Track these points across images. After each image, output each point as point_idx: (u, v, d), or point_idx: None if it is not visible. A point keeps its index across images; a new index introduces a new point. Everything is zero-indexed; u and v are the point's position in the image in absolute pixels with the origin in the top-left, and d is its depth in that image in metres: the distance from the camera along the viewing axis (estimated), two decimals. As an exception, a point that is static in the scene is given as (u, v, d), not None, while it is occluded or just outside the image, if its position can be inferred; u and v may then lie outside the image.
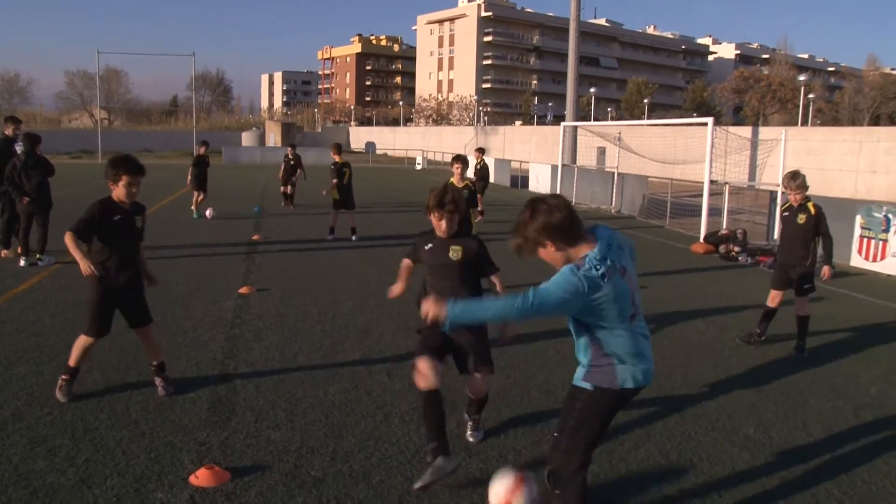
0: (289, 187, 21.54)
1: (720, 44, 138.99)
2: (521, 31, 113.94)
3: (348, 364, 6.85)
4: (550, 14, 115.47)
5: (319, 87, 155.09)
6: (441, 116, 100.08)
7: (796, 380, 6.78)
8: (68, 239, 5.44)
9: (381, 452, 4.95)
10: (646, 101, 79.95)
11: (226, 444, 5.01)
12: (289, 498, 4.31)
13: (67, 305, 8.59)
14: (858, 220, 13.79)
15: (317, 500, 4.30)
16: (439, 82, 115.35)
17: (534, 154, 46.29)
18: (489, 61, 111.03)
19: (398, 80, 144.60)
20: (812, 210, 7.78)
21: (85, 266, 5.45)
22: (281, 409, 5.66)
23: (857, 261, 13.72)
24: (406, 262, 5.26)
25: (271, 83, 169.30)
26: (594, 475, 4.68)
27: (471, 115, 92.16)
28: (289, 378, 6.41)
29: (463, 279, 4.96)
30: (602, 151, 28.06)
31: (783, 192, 16.34)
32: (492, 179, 24.88)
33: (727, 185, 17.95)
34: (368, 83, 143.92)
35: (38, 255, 11.41)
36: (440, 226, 5.00)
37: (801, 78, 55.96)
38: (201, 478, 4.43)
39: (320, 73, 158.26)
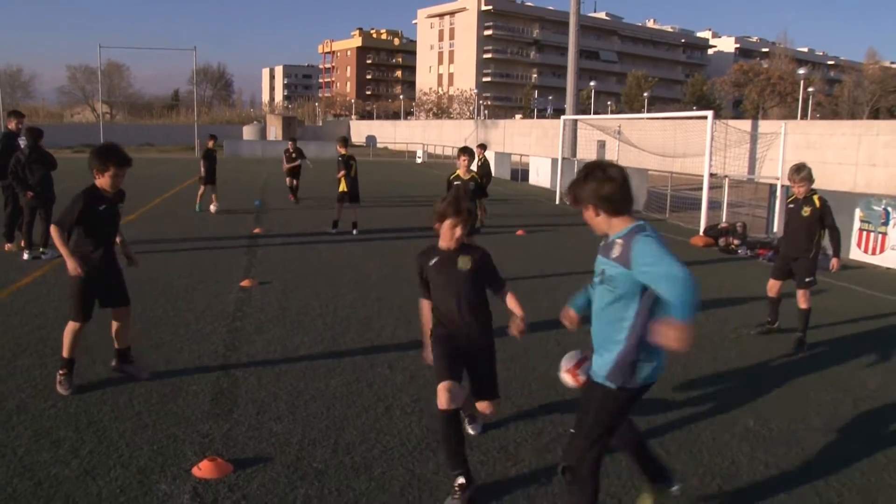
0: (294, 181, 21.25)
1: (720, 37, 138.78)
2: (521, 24, 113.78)
3: (350, 356, 6.88)
4: (550, 8, 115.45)
5: (320, 80, 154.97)
6: (441, 110, 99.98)
7: (796, 372, 6.81)
8: (54, 232, 5.56)
9: (383, 444, 4.98)
10: (645, 94, 79.99)
11: (228, 435, 5.04)
12: (290, 490, 4.34)
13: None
14: (858, 213, 13.80)
15: (318, 491, 4.33)
16: (439, 76, 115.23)
17: (534, 148, 46.23)
18: (489, 55, 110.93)
19: (398, 73, 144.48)
20: (817, 203, 7.77)
21: (72, 265, 5.58)
22: (283, 402, 5.69)
23: (856, 254, 13.74)
24: (424, 303, 4.76)
25: (272, 77, 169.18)
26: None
27: (471, 108, 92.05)
28: (290, 370, 6.43)
29: (473, 289, 4.56)
30: (602, 145, 28.05)
31: (784, 186, 16.34)
32: (493, 174, 24.82)
33: (727, 179, 17.96)
34: (369, 77, 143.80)
35: (41, 249, 11.44)
36: (454, 233, 4.52)
37: (801, 71, 55.96)
38: (204, 469, 4.46)
39: (321, 66, 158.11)
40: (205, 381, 6.09)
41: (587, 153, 27.35)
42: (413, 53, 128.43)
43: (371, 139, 68.47)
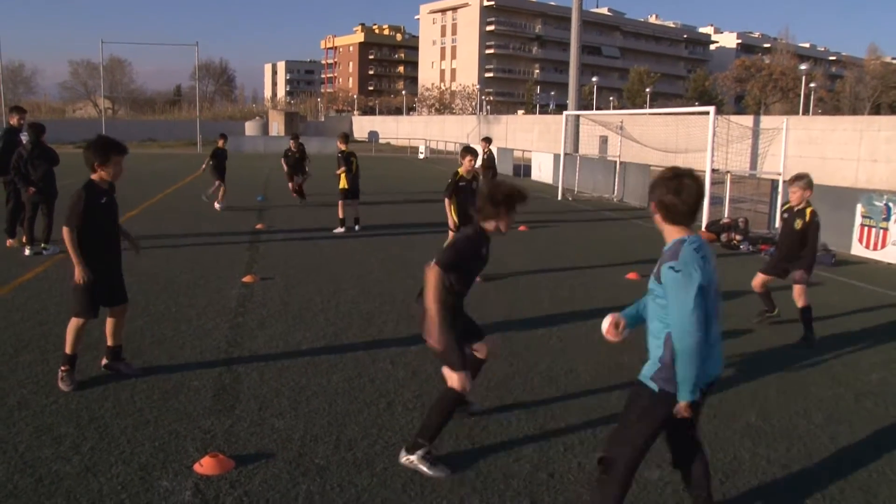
0: (295, 182, 19.73)
1: (722, 33, 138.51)
2: (523, 20, 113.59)
3: (352, 352, 6.88)
4: (552, 3, 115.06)
5: (322, 76, 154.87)
6: (443, 105, 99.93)
7: (797, 367, 6.81)
8: (67, 235, 5.60)
9: (385, 440, 4.98)
10: (648, 90, 79.84)
11: (230, 432, 5.05)
12: (293, 486, 4.34)
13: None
14: (859, 208, 13.78)
15: (320, 487, 4.33)
16: (442, 71, 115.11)
17: (536, 143, 46.20)
18: (491, 50, 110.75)
19: (401, 69, 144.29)
20: (808, 217, 7.81)
21: (80, 273, 5.63)
22: (285, 397, 5.70)
23: (857, 249, 13.72)
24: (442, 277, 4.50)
25: (274, 72, 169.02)
26: (595, 462, 4.71)
27: (473, 104, 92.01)
28: (292, 366, 6.44)
29: None
30: (604, 140, 28.03)
31: (786, 181, 16.33)
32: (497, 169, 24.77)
33: (729, 174, 17.93)
34: (371, 72, 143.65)
35: (42, 245, 11.44)
36: (509, 222, 4.54)
37: (803, 67, 55.89)
38: (206, 466, 4.46)
39: (323, 62, 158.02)
40: (207, 377, 6.09)
41: (589, 149, 27.33)
42: (415, 49, 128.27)
43: (373, 135, 68.41)
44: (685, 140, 23.60)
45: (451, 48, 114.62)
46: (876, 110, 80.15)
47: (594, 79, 73.46)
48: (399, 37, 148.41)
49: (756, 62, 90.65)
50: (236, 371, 6.28)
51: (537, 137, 47.78)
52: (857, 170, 22.59)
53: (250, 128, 67.43)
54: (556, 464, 4.69)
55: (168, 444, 4.83)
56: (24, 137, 11.65)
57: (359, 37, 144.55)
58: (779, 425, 5.44)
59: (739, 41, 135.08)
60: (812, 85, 59.68)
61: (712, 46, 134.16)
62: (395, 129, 75.78)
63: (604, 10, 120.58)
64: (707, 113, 17.31)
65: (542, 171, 30.73)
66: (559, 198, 23.60)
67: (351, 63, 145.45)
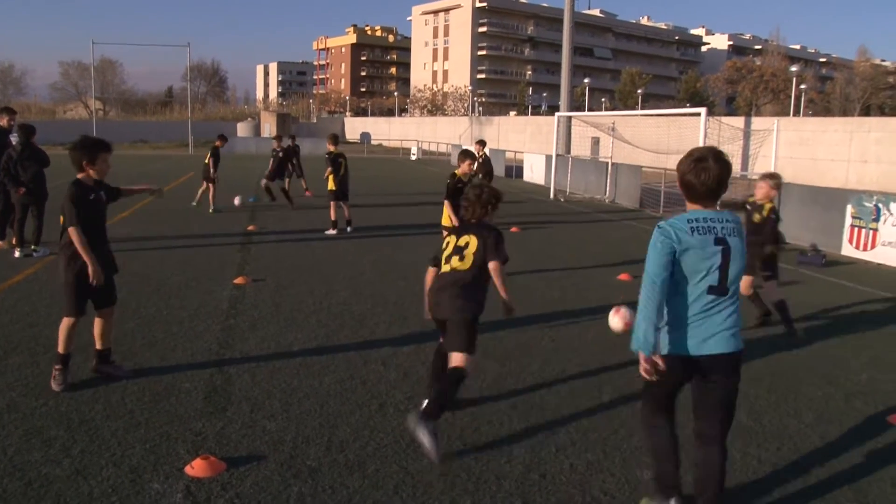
0: (282, 182, 19.56)
1: (713, 34, 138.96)
2: (515, 21, 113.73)
3: (343, 353, 6.86)
4: (545, 4, 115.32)
5: (314, 77, 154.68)
6: (436, 107, 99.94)
7: (787, 367, 6.83)
8: (75, 235, 5.64)
9: (377, 442, 4.97)
10: (639, 91, 79.99)
11: (221, 434, 5.03)
12: (284, 488, 4.33)
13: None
14: (849, 209, 13.84)
15: (312, 489, 4.32)
16: (434, 73, 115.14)
17: (528, 144, 46.28)
18: (484, 51, 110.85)
19: (393, 70, 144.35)
20: (766, 212, 8.07)
21: (95, 272, 5.68)
22: (276, 399, 5.68)
23: (847, 249, 13.78)
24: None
25: (266, 74, 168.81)
26: (587, 464, 4.73)
27: (465, 105, 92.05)
28: (284, 368, 6.42)
29: None
30: (596, 141, 28.11)
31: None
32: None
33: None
34: (363, 74, 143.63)
35: (32, 247, 11.39)
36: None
37: (794, 69, 55.99)
38: (197, 468, 4.45)
39: (315, 63, 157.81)
40: (198, 379, 6.08)
41: (581, 150, 27.39)
42: (407, 50, 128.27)
43: (365, 136, 68.44)
44: (677, 141, 23.69)
45: (444, 49, 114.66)
46: (866, 112, 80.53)
47: (586, 80, 73.36)
48: (391, 38, 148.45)
49: (747, 64, 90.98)
50: (228, 373, 6.27)
51: (529, 138, 47.86)
52: (847, 170, 22.71)
53: (242, 129, 67.43)
54: (548, 465, 4.70)
55: (159, 446, 4.81)
56: (14, 139, 11.60)
57: (351, 38, 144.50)
58: (769, 425, 5.45)
59: (731, 43, 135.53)
60: (803, 86, 59.91)
61: (704, 48, 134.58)
62: (387, 131, 75.79)
63: (596, 12, 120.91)
64: (699, 114, 17.39)
65: (534, 172, 30.76)
66: (551, 198, 23.63)
67: (343, 64, 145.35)
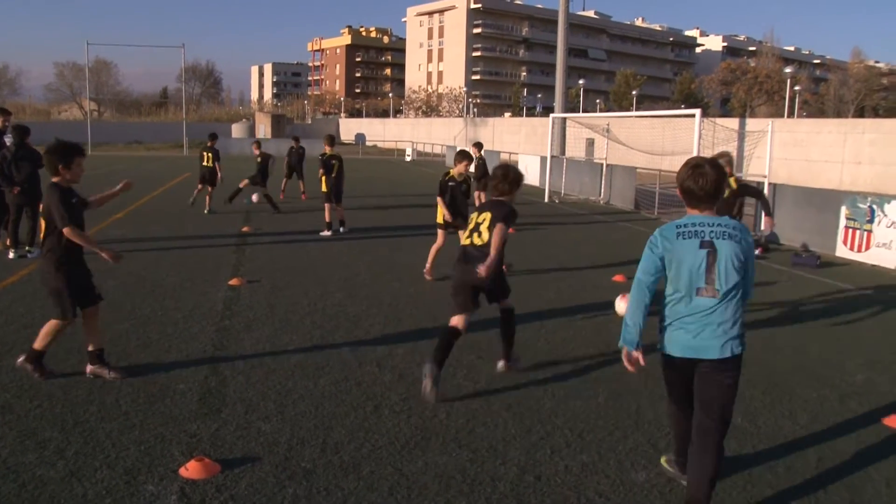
0: (265, 188, 18.89)
1: (707, 36, 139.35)
2: (510, 22, 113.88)
3: (338, 355, 6.86)
4: (539, 6, 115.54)
5: (309, 78, 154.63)
6: (430, 108, 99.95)
7: (782, 369, 6.84)
8: (73, 233, 5.72)
9: (372, 443, 4.97)
10: (634, 92, 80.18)
11: (216, 435, 5.02)
12: (279, 489, 4.32)
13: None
14: (843, 210, 13.87)
15: (307, 491, 4.32)
16: (429, 74, 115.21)
17: (523, 145, 46.29)
18: (478, 53, 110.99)
19: (388, 71, 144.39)
20: (734, 185, 9.64)
21: (112, 254, 5.93)
22: (271, 401, 5.67)
23: (842, 251, 13.81)
24: None
25: (261, 75, 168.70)
26: (582, 466, 4.73)
27: (460, 106, 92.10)
28: (279, 369, 6.41)
29: None
30: (591, 143, 28.12)
31: (772, 184, 16.44)
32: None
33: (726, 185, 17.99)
34: (358, 75, 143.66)
35: (27, 248, 11.37)
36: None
37: (788, 70, 56.27)
38: (191, 470, 4.44)
39: (310, 64, 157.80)
40: (193, 381, 6.06)
41: (576, 151, 27.40)
42: (402, 51, 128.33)
43: (360, 137, 68.39)
44: (671, 143, 23.72)
45: (438, 51, 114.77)
46: (860, 113, 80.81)
47: (581, 81, 73.65)
48: (386, 39, 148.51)
49: (741, 65, 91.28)
50: (222, 374, 6.26)
51: (524, 140, 47.88)
52: (841, 172, 22.75)
53: (237, 130, 67.25)
54: (544, 466, 4.70)
55: (154, 447, 4.80)
56: (9, 140, 11.57)
57: (346, 39, 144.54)
58: (764, 426, 5.46)
59: (725, 44, 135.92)
60: (797, 88, 60.11)
61: (698, 49, 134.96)
62: (381, 132, 75.75)
63: (590, 13, 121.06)
64: (693, 116, 17.43)
65: (529, 173, 30.74)
66: (546, 200, 23.64)
67: (338, 65, 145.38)
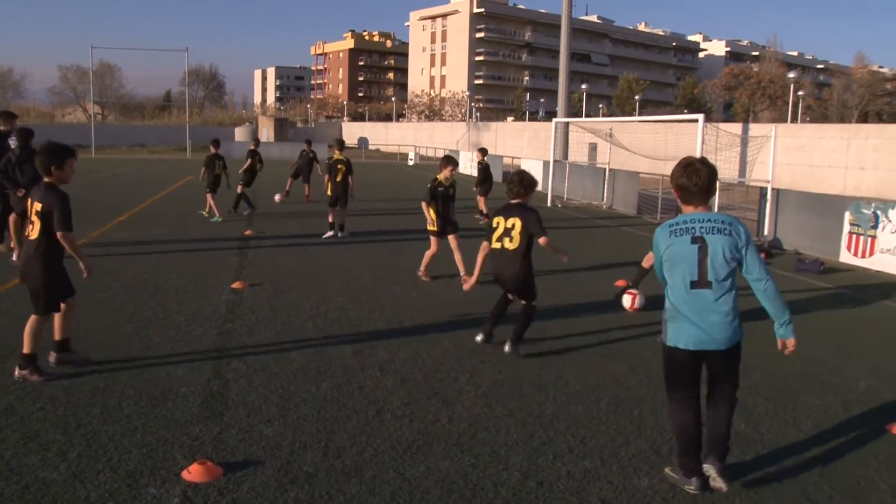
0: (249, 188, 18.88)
1: (711, 41, 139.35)
2: (513, 27, 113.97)
3: (340, 359, 6.85)
4: (542, 11, 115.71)
5: (312, 82, 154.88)
6: (433, 112, 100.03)
7: (786, 376, 6.83)
8: (71, 240, 5.96)
9: (374, 447, 4.96)
10: (637, 97, 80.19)
11: (218, 439, 5.02)
12: (281, 493, 4.32)
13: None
14: (847, 216, 13.85)
15: (309, 495, 4.31)
16: (431, 78, 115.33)
17: (526, 150, 46.34)
18: (481, 57, 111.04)
19: (391, 75, 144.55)
20: None
21: (87, 264, 6.10)
22: (273, 404, 5.67)
23: (846, 257, 13.79)
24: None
25: (264, 78, 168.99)
26: (584, 471, 4.72)
27: (463, 110, 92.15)
28: (281, 373, 6.41)
29: None
30: (593, 147, 28.09)
31: (775, 189, 16.42)
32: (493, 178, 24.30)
33: (717, 182, 17.98)
34: (361, 79, 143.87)
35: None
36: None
37: (791, 75, 56.11)
38: (193, 473, 4.44)
39: (313, 68, 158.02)
40: (195, 384, 6.06)
41: (579, 156, 27.39)
42: (405, 55, 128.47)
43: (363, 141, 68.31)
44: (674, 147, 23.66)
45: (441, 55, 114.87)
46: (863, 118, 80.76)
47: (584, 86, 73.59)
48: (389, 43, 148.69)
49: (745, 70, 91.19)
50: (225, 377, 6.25)
51: (527, 144, 47.92)
52: (844, 177, 22.74)
53: (240, 133, 67.30)
54: (546, 472, 4.69)
55: (156, 450, 4.80)
56: (13, 142, 11.59)
57: (349, 43, 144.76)
58: (768, 433, 5.45)
59: (728, 49, 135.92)
60: (800, 93, 60.00)
61: (701, 54, 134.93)
62: (384, 136, 75.82)
63: (593, 18, 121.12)
64: (696, 121, 17.39)
65: (532, 177, 30.70)
66: (548, 205, 23.63)
67: (341, 69, 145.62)
